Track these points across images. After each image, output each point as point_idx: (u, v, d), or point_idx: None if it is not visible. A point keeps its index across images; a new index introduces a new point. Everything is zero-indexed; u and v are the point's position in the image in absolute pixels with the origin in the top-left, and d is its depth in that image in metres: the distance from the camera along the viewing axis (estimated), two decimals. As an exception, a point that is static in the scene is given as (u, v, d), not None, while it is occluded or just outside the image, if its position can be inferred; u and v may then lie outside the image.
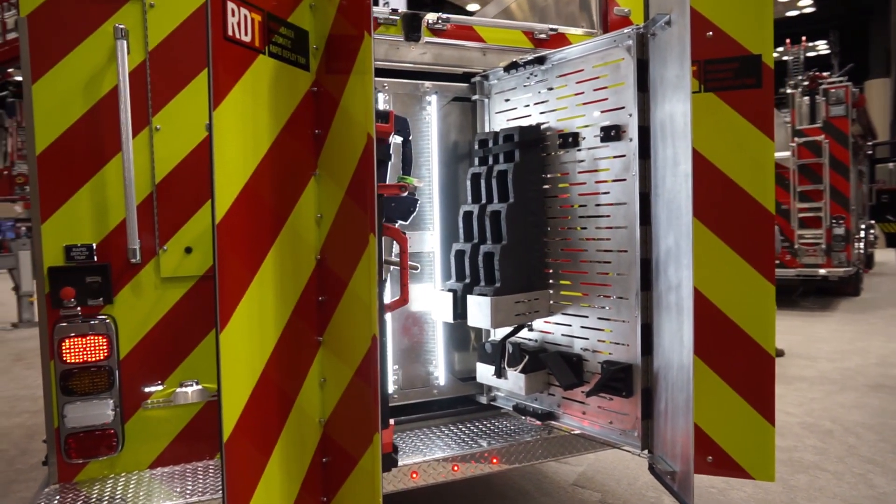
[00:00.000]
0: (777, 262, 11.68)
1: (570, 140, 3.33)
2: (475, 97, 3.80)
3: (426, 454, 3.27)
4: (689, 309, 2.70)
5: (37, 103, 2.91)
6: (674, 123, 2.80)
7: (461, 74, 3.76)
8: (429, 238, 3.72)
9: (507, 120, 3.70)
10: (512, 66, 3.55)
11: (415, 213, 3.25)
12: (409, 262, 3.37)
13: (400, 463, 3.16)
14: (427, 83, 3.67)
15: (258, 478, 2.14)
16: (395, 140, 3.19)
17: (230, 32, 2.01)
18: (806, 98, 12.09)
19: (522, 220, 3.36)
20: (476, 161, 3.64)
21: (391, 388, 3.65)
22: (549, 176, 3.50)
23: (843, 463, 5.02)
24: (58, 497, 2.86)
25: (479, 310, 3.26)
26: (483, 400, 3.84)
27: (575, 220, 3.37)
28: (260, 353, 2.16)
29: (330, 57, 2.36)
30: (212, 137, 1.93)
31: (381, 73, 3.56)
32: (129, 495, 2.87)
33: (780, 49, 22.06)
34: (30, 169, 2.94)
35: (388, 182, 3.12)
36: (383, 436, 2.76)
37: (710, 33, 2.91)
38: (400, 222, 3.31)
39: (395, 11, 3.50)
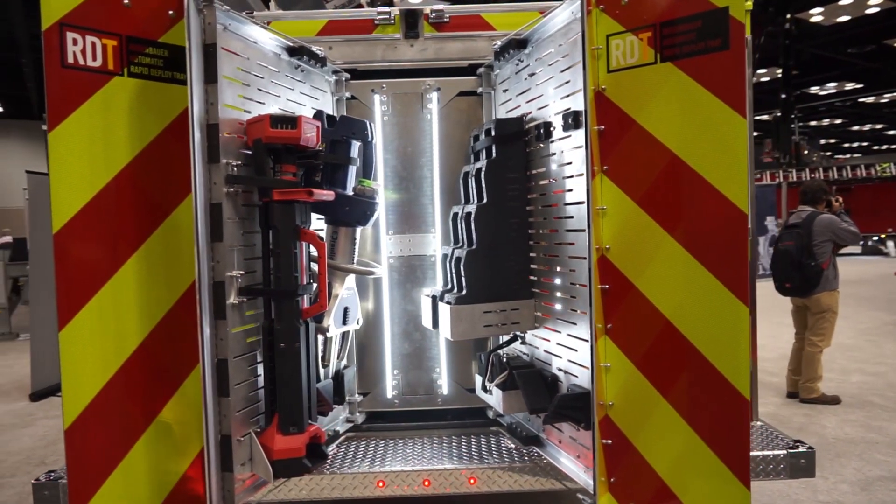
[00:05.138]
0: None
1: (543, 132, 2.92)
2: (481, 90, 3.52)
3: (396, 464, 3.16)
4: (593, 327, 2.22)
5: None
6: (593, 105, 2.32)
7: (467, 67, 3.52)
8: (431, 241, 3.56)
9: (507, 112, 3.37)
10: (498, 54, 3.23)
11: (374, 217, 3.17)
12: (369, 266, 3.31)
13: (367, 470, 3.11)
14: (429, 80, 3.52)
15: (119, 457, 2.35)
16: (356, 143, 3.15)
17: (70, 60, 2.22)
18: None
19: (497, 223, 3.04)
20: (471, 158, 3.40)
21: (389, 394, 3.60)
22: (532, 173, 3.11)
23: None
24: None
25: (443, 318, 3.05)
26: (490, 414, 3.56)
27: (550, 221, 2.96)
28: (117, 347, 2.35)
29: (205, 68, 2.45)
30: (48, 157, 2.18)
31: (378, 74, 3.52)
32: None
33: None
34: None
35: (349, 186, 3.10)
36: (293, 440, 2.78)
37: (668, -11, 2.32)
38: (366, 226, 3.27)
39: (384, 11, 3.43)
